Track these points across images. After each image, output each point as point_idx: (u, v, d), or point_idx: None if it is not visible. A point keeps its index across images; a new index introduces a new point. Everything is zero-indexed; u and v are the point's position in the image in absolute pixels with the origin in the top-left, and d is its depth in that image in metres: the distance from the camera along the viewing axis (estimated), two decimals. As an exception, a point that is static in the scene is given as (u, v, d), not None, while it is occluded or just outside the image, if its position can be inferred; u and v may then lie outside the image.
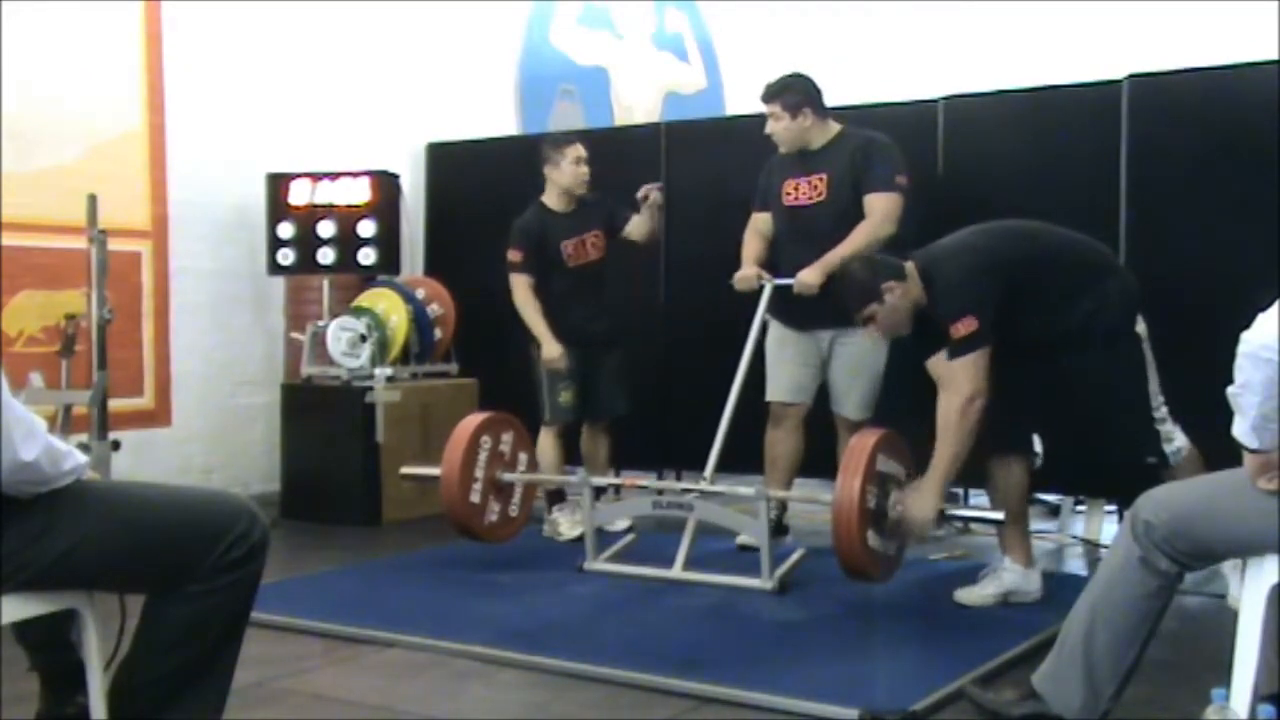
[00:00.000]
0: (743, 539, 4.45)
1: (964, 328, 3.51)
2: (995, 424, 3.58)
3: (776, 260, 4.49)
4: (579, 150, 4.85)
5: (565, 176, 4.83)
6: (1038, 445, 3.89)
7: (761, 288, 4.42)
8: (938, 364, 3.63)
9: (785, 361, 4.50)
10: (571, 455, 5.02)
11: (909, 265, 3.66)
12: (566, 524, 4.81)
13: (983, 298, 3.54)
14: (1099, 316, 3.61)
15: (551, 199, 4.89)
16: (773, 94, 4.41)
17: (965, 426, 3.51)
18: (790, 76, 4.45)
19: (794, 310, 4.40)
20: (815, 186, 4.39)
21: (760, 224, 4.57)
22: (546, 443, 4.83)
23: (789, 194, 4.45)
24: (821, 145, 4.41)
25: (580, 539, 4.44)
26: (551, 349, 4.75)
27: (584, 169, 4.84)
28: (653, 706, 2.91)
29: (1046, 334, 3.64)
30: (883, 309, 3.63)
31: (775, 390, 4.51)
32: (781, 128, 4.39)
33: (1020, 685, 2.67)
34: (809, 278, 4.24)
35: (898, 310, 3.64)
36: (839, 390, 4.48)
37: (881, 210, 4.25)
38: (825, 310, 4.21)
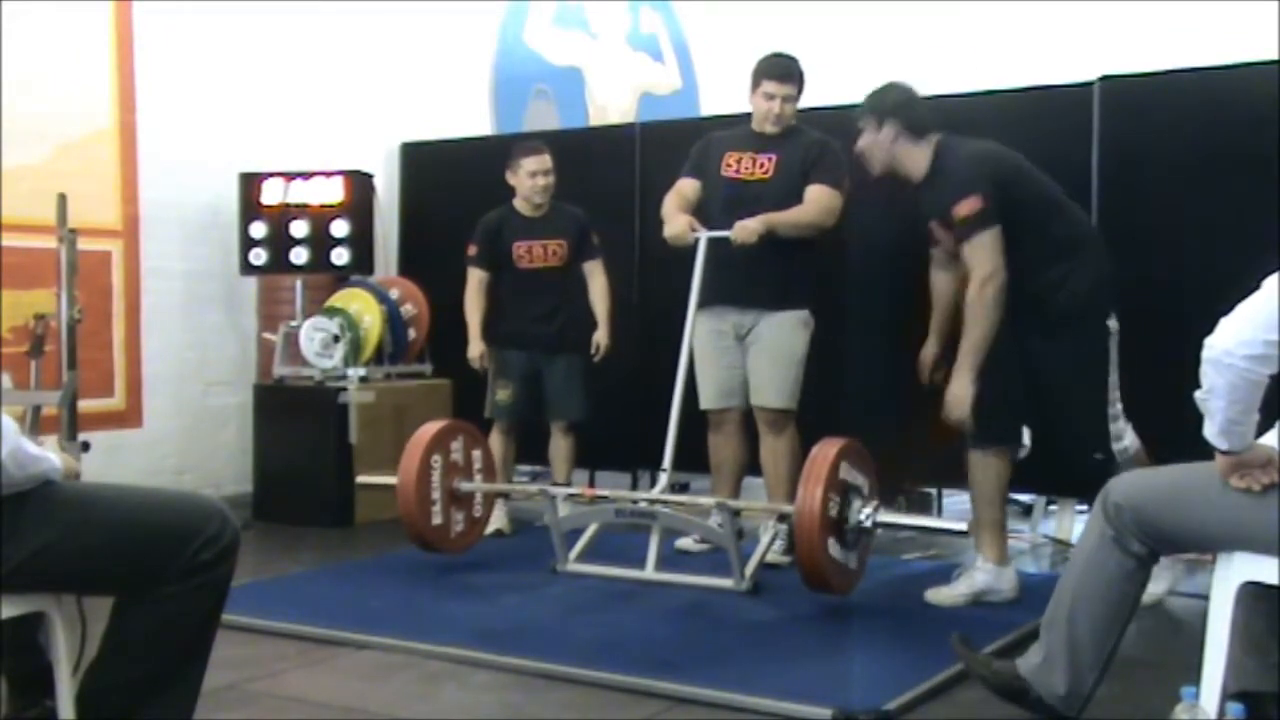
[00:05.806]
0: (682, 543, 4.51)
1: (967, 207, 3.57)
2: (978, 417, 3.60)
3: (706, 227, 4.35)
4: (537, 163, 4.84)
5: (520, 186, 4.90)
6: (1026, 437, 3.83)
7: (696, 243, 4.29)
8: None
9: (709, 367, 4.41)
10: (542, 456, 5.11)
11: (933, 138, 3.74)
12: (494, 517, 4.84)
13: (985, 179, 3.60)
14: (1072, 279, 3.65)
15: (519, 202, 4.94)
16: (793, 73, 4.34)
17: (985, 303, 3.59)
18: (792, 58, 4.38)
19: (720, 280, 4.29)
20: (762, 165, 4.33)
21: (686, 189, 4.45)
22: (494, 440, 4.87)
23: (730, 165, 4.38)
24: (781, 130, 4.36)
25: (497, 533, 4.83)
26: (472, 348, 4.94)
27: (540, 181, 4.84)
28: (627, 707, 2.91)
29: (1024, 283, 3.64)
30: (862, 140, 3.83)
31: (705, 398, 4.44)
32: (791, 110, 4.34)
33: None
34: (751, 224, 4.13)
35: (876, 147, 3.82)
36: (757, 378, 4.34)
37: (826, 202, 4.24)
38: (751, 283, 4.22)
